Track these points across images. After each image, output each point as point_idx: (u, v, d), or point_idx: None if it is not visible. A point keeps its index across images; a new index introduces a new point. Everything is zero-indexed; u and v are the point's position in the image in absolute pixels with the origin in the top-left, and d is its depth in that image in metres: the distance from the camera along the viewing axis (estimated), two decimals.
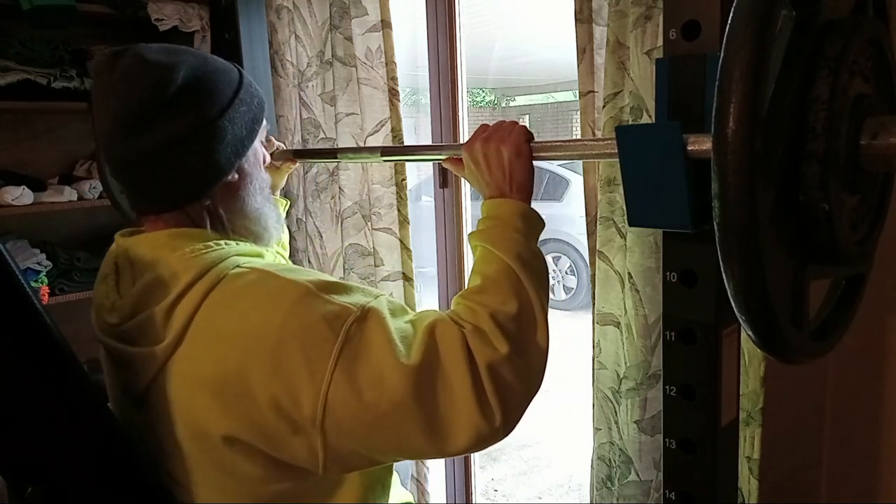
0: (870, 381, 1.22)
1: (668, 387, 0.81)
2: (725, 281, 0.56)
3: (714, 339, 0.76)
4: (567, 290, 5.36)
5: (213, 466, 0.72)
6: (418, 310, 0.79)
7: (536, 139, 0.86)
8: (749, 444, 1.22)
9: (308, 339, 0.67)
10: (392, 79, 1.72)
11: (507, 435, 0.72)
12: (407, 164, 1.76)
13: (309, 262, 2.00)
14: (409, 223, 1.79)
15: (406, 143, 1.81)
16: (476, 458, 2.10)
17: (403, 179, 1.77)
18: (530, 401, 0.75)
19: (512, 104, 11.27)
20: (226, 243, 0.79)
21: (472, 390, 0.68)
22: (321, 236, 1.95)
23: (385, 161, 1.06)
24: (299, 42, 1.90)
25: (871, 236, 0.73)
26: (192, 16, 1.97)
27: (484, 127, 0.88)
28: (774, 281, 0.56)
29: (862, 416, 1.25)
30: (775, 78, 0.59)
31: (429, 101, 1.89)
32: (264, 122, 0.90)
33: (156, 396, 0.73)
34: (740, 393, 0.96)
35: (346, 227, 1.88)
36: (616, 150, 0.74)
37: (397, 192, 1.78)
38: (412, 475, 1.90)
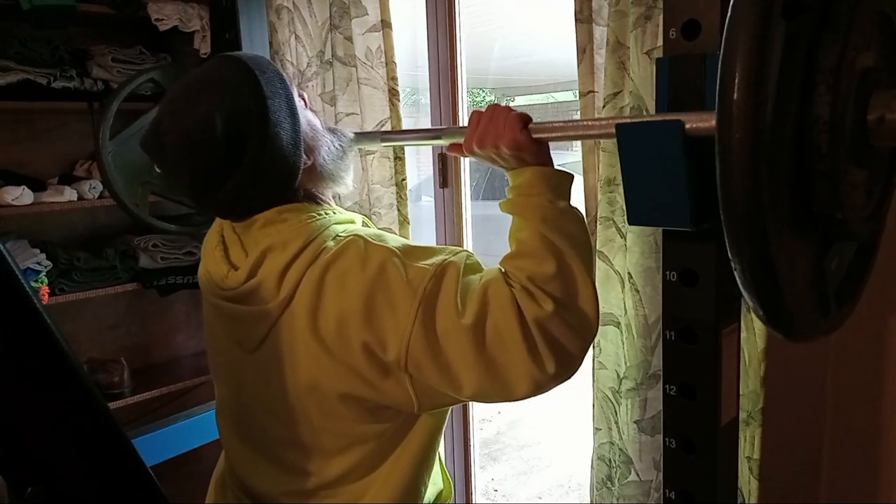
0: (870, 381, 1.22)
1: (668, 386, 0.81)
2: (733, 265, 0.56)
3: (714, 338, 0.76)
4: None
5: (325, 416, 0.83)
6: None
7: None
8: (749, 444, 1.22)
9: (393, 296, 0.77)
10: (392, 79, 1.72)
11: (566, 380, 0.78)
12: (407, 164, 1.76)
13: None
14: (409, 223, 1.79)
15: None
16: (476, 458, 2.10)
17: (403, 179, 1.76)
18: (584, 350, 0.79)
19: (512, 104, 11.22)
20: (325, 213, 0.88)
21: (523, 343, 0.75)
22: None
23: (385, 146, 1.05)
24: (299, 42, 1.90)
25: (880, 210, 0.72)
26: (192, 16, 1.97)
27: (476, 117, 0.86)
28: (786, 260, 0.56)
29: (862, 416, 1.25)
30: (780, 51, 0.57)
31: (429, 101, 1.89)
32: (293, 88, 0.90)
33: (270, 349, 0.83)
34: (740, 393, 0.96)
35: None
36: (615, 131, 0.74)
37: (397, 192, 1.78)
38: None
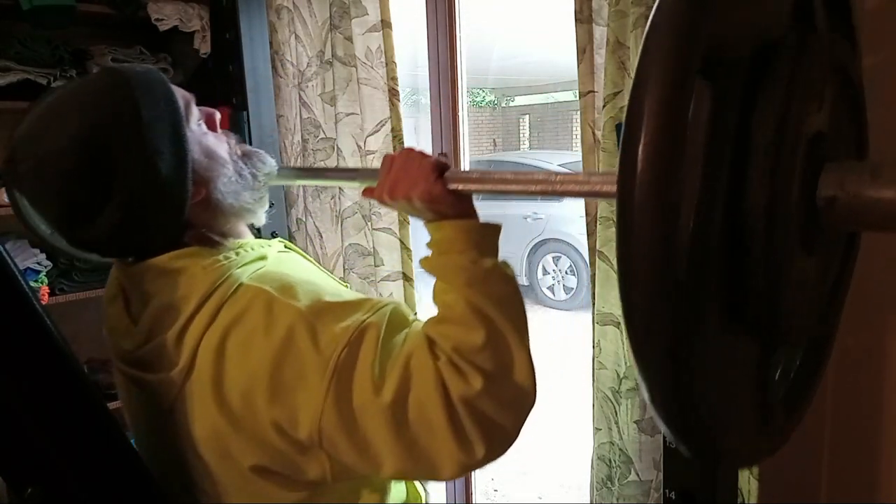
0: (870, 381, 1.22)
1: None
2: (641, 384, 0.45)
3: None
4: (567, 290, 5.36)
5: (240, 490, 0.75)
6: (419, 310, 0.79)
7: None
8: None
9: (303, 367, 0.68)
10: (392, 79, 1.72)
11: (500, 456, 0.70)
12: None
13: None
14: (409, 223, 1.79)
15: (406, 144, 1.81)
16: None
17: None
18: (520, 425, 0.71)
19: (512, 104, 11.26)
20: (224, 257, 0.76)
21: (448, 425, 0.66)
22: (321, 236, 1.95)
23: (302, 184, 0.93)
24: (299, 42, 1.90)
25: (835, 303, 0.62)
26: (192, 16, 1.96)
27: (388, 163, 0.76)
28: (706, 369, 0.45)
29: (862, 416, 1.25)
30: (703, 119, 0.45)
31: (429, 101, 1.89)
32: (191, 107, 0.80)
33: (177, 420, 0.74)
34: None
35: (346, 227, 1.88)
36: (548, 188, 0.69)
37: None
38: None
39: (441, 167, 0.74)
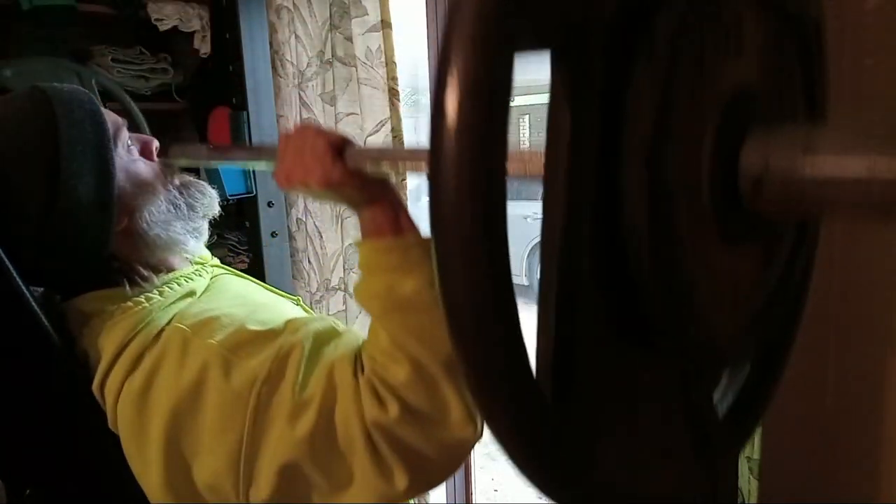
0: (870, 381, 1.22)
1: None
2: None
3: None
4: None
5: None
6: None
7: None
8: (749, 444, 1.22)
9: (226, 413, 0.64)
10: (392, 79, 1.72)
11: (424, 493, 0.65)
12: None
13: (309, 261, 2.00)
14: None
15: (405, 144, 1.80)
16: (476, 457, 2.10)
17: (403, 179, 1.76)
18: (452, 466, 0.65)
19: (511, 104, 11.23)
20: (147, 298, 0.72)
21: (366, 445, 0.61)
22: (321, 236, 1.95)
23: (209, 163, 0.86)
24: (299, 42, 1.90)
25: (781, 314, 0.48)
26: (192, 16, 1.96)
27: (283, 144, 0.67)
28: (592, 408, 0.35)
29: (862, 416, 1.25)
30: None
31: (429, 101, 1.89)
32: (121, 132, 0.76)
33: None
34: None
35: (346, 227, 1.88)
36: None
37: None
38: None
39: (338, 145, 0.63)
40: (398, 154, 0.65)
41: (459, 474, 2.06)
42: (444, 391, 0.61)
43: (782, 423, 1.26)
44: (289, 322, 0.70)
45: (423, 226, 0.69)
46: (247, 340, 0.67)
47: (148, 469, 0.66)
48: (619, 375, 0.37)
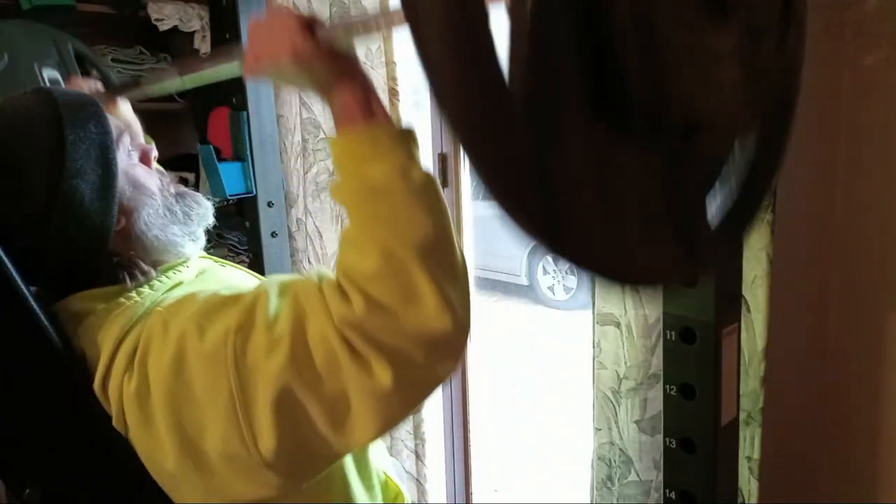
0: (870, 381, 1.22)
1: (668, 386, 0.81)
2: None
3: (714, 338, 0.76)
4: (567, 289, 5.35)
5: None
6: None
7: None
8: (749, 444, 1.22)
9: (210, 375, 0.64)
10: (392, 79, 1.72)
11: (416, 402, 0.64)
12: None
13: (309, 261, 2.00)
14: None
15: None
16: (476, 457, 2.10)
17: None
18: (433, 362, 0.63)
19: None
20: (137, 293, 0.73)
21: (343, 347, 0.60)
22: (321, 236, 1.95)
23: (184, 80, 0.86)
24: None
25: (774, 94, 0.46)
26: (192, 16, 1.96)
27: (254, 29, 0.66)
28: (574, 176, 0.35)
29: (862, 416, 1.25)
30: None
31: (429, 101, 1.89)
32: (123, 137, 0.77)
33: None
34: (740, 393, 0.96)
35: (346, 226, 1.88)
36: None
37: None
38: (413, 475, 1.90)
39: (309, 22, 0.63)
40: (367, 21, 0.63)
41: (459, 474, 2.06)
42: (416, 279, 0.60)
43: (782, 423, 1.26)
44: (260, 283, 0.71)
45: None
46: (218, 305, 0.67)
47: (165, 459, 0.66)
48: (597, 151, 0.37)
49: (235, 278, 0.84)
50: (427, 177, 0.63)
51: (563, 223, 0.35)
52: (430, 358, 0.62)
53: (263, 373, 0.62)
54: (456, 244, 0.64)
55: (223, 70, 0.83)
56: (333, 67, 0.64)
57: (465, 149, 0.32)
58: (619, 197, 0.39)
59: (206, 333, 0.64)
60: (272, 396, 0.62)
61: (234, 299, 0.68)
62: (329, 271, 0.67)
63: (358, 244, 0.62)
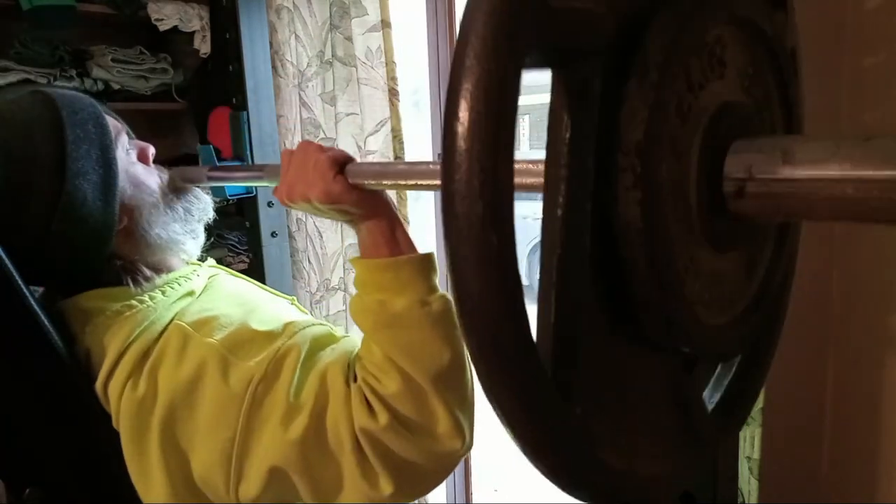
0: (870, 381, 1.22)
1: None
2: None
3: None
4: None
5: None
6: None
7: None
8: (749, 444, 1.22)
9: (212, 406, 0.65)
10: (392, 79, 1.72)
11: (407, 501, 0.66)
12: None
13: (309, 261, 2.00)
14: (409, 223, 1.79)
15: (405, 144, 1.81)
16: (476, 458, 2.10)
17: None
18: (438, 477, 0.67)
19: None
20: (150, 297, 0.73)
21: (353, 449, 0.63)
22: (321, 236, 1.95)
23: (209, 185, 0.89)
24: (299, 42, 1.90)
25: (766, 311, 0.50)
26: (192, 16, 1.96)
27: (286, 160, 0.70)
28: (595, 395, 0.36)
29: (862, 416, 1.25)
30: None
31: (429, 101, 1.89)
32: (121, 136, 0.78)
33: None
34: None
35: (346, 226, 1.88)
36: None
37: (397, 193, 1.78)
38: None
39: (339, 161, 0.67)
40: (398, 171, 0.66)
41: (459, 474, 2.06)
42: (433, 404, 0.63)
43: (782, 423, 1.26)
44: (287, 325, 0.71)
45: (418, 236, 0.72)
46: (245, 341, 0.68)
47: (147, 463, 0.67)
48: (613, 365, 0.39)
49: (248, 294, 0.83)
50: (444, 304, 0.66)
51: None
52: (436, 474, 0.67)
53: (272, 437, 0.64)
54: (468, 369, 0.67)
55: (247, 179, 0.87)
56: (362, 205, 0.67)
57: (508, 430, 0.33)
58: (638, 416, 0.42)
59: (229, 371, 0.65)
60: (271, 463, 0.64)
61: (264, 339, 0.69)
62: (357, 348, 0.68)
63: (380, 365, 0.64)
